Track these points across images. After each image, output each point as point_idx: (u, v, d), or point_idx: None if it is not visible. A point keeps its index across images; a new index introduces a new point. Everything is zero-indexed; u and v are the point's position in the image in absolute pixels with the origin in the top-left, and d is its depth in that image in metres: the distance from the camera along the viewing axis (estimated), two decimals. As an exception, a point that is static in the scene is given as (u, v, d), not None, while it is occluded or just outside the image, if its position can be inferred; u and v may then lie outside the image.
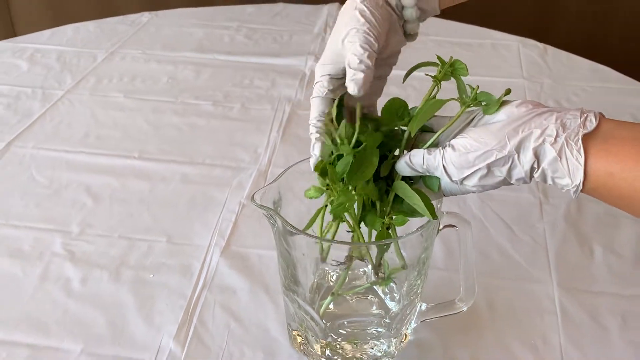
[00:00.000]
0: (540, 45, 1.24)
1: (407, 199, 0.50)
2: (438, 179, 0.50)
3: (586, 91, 1.08)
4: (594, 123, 0.45)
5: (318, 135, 0.52)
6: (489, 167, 0.47)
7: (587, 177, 0.44)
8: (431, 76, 0.52)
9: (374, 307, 0.61)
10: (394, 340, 0.59)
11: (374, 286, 0.61)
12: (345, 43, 0.51)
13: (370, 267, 0.56)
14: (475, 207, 0.81)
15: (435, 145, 0.50)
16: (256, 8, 1.40)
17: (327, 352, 0.58)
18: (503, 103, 0.49)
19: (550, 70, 1.15)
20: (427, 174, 0.50)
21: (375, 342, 0.58)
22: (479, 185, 0.48)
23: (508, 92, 0.49)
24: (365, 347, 0.58)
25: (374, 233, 0.54)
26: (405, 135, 0.52)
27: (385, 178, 0.53)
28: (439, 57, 0.53)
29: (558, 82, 1.11)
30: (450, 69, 0.52)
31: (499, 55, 1.21)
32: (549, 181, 0.46)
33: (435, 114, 0.51)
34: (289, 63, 1.17)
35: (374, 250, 0.55)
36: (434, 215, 0.50)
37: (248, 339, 0.63)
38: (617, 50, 1.81)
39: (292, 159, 0.62)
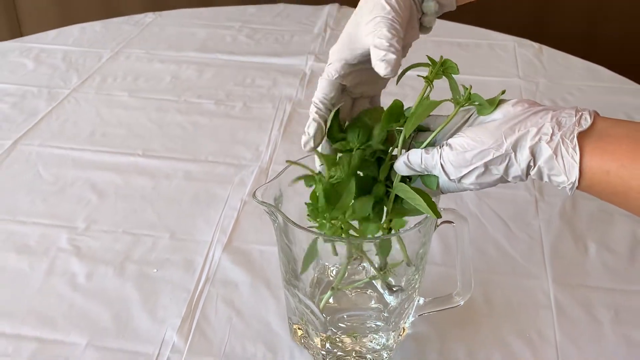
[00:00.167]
0: (536, 45, 1.23)
1: (408, 200, 0.50)
2: (436, 177, 0.50)
3: (581, 90, 1.08)
4: (589, 121, 0.45)
5: (317, 116, 0.52)
6: (486, 165, 0.47)
7: (582, 175, 0.44)
8: (423, 77, 0.52)
9: (373, 302, 0.61)
10: (393, 333, 0.59)
11: (373, 281, 0.61)
12: (370, 27, 0.50)
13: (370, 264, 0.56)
14: (472, 204, 0.81)
15: (432, 144, 0.50)
16: (258, 8, 1.40)
17: (327, 345, 0.58)
18: (499, 103, 0.49)
19: (546, 70, 1.15)
20: (426, 173, 0.50)
21: (374, 335, 0.59)
22: (476, 183, 0.48)
23: (503, 92, 0.49)
24: (364, 340, 0.59)
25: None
26: (401, 136, 0.52)
27: (384, 179, 0.53)
28: (429, 58, 0.53)
29: (553, 82, 1.11)
30: (442, 68, 0.52)
31: (495, 55, 1.21)
32: (545, 179, 0.46)
33: (431, 114, 0.51)
34: (289, 63, 1.17)
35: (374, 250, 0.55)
36: (437, 214, 0.50)
37: (250, 332, 0.63)
38: (611, 49, 1.81)
39: (292, 156, 0.62)
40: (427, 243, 0.56)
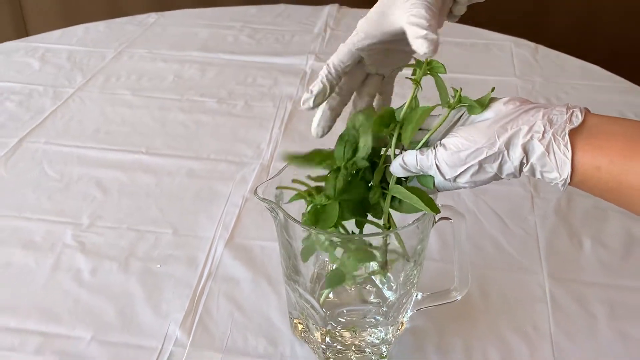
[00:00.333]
0: (532, 44, 1.23)
1: (406, 200, 0.50)
2: (432, 177, 0.50)
3: (576, 89, 1.08)
4: (580, 118, 0.45)
5: (325, 79, 0.52)
6: (480, 164, 0.46)
7: (574, 171, 0.44)
8: (410, 78, 0.52)
9: (372, 297, 0.61)
10: (391, 327, 0.59)
11: (372, 276, 0.61)
12: (407, 6, 0.48)
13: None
14: (470, 201, 0.81)
15: (425, 145, 0.50)
16: (259, 9, 1.40)
17: (327, 339, 0.58)
18: (490, 101, 0.49)
19: (542, 69, 1.15)
20: (422, 173, 0.50)
21: (373, 329, 0.59)
22: (471, 181, 0.48)
23: (492, 90, 0.49)
24: (363, 334, 0.59)
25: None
26: (393, 140, 0.52)
27: (380, 182, 0.53)
28: (415, 59, 0.53)
29: (549, 80, 1.11)
30: (428, 68, 0.52)
31: (492, 55, 1.21)
32: (538, 175, 0.46)
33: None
34: (290, 62, 1.17)
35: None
36: (435, 209, 0.50)
37: (251, 326, 0.63)
38: (605, 49, 1.81)
39: (293, 154, 0.62)
40: (425, 239, 0.56)
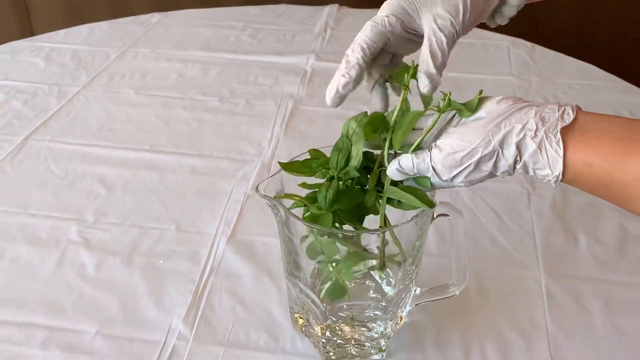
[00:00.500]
0: (529, 44, 1.23)
1: (402, 200, 0.51)
2: (428, 177, 0.50)
3: (572, 88, 1.08)
4: (572, 116, 0.45)
5: (362, 60, 0.50)
6: (476, 163, 0.46)
7: (566, 168, 0.44)
8: (399, 83, 0.52)
9: (371, 292, 0.61)
10: (390, 322, 0.59)
11: (371, 272, 0.61)
12: (436, 19, 0.49)
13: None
14: (467, 198, 0.81)
15: (418, 148, 0.50)
16: (260, 9, 1.40)
17: (327, 333, 0.58)
18: (481, 101, 0.48)
19: (538, 69, 1.15)
20: (418, 176, 0.50)
21: (373, 324, 0.59)
22: (467, 180, 0.48)
23: (480, 93, 0.49)
24: (363, 329, 0.59)
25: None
26: (387, 145, 0.52)
27: (375, 185, 0.53)
28: (403, 62, 0.53)
29: (546, 80, 1.11)
30: (414, 71, 0.51)
31: (490, 54, 1.20)
32: (530, 172, 0.46)
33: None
34: (291, 61, 1.17)
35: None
36: (431, 204, 0.50)
37: (253, 321, 0.63)
38: (601, 49, 1.80)
39: (294, 152, 0.62)
40: (424, 235, 0.56)
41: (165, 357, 0.59)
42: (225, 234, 0.74)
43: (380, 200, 0.53)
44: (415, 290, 0.60)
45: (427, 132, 0.50)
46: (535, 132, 0.44)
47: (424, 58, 0.49)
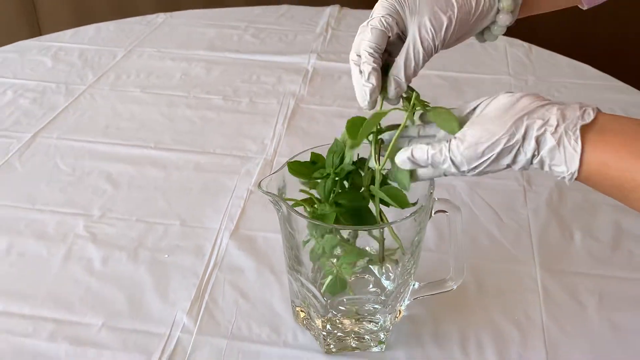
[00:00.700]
0: (526, 44, 1.23)
1: (386, 200, 0.52)
2: (408, 173, 0.50)
3: (568, 88, 1.08)
4: (592, 116, 0.44)
5: (376, 65, 0.50)
6: (496, 156, 0.45)
7: (582, 166, 0.44)
8: (400, 109, 0.53)
9: (371, 286, 0.61)
10: (389, 315, 0.59)
11: (371, 266, 0.61)
12: (419, 30, 0.51)
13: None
14: (465, 194, 0.80)
15: (397, 149, 0.50)
16: (263, 9, 1.39)
17: (328, 326, 0.58)
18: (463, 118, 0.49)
19: (535, 68, 1.14)
20: (430, 167, 0.49)
21: (372, 317, 0.59)
22: (483, 171, 0.47)
23: (452, 109, 0.50)
24: (363, 322, 0.59)
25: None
26: (372, 145, 0.53)
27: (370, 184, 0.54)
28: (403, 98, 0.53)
29: (541, 79, 1.10)
30: (416, 108, 0.52)
31: (487, 54, 1.20)
32: (546, 168, 0.45)
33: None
34: (293, 61, 1.16)
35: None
36: (405, 204, 0.52)
37: (255, 314, 0.64)
38: (596, 49, 1.80)
39: (296, 149, 0.62)
40: (422, 231, 0.56)
41: (170, 350, 0.60)
42: (228, 229, 0.74)
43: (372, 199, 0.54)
44: (413, 285, 0.60)
45: (401, 130, 0.51)
46: (555, 128, 0.44)
47: (398, 64, 0.51)
